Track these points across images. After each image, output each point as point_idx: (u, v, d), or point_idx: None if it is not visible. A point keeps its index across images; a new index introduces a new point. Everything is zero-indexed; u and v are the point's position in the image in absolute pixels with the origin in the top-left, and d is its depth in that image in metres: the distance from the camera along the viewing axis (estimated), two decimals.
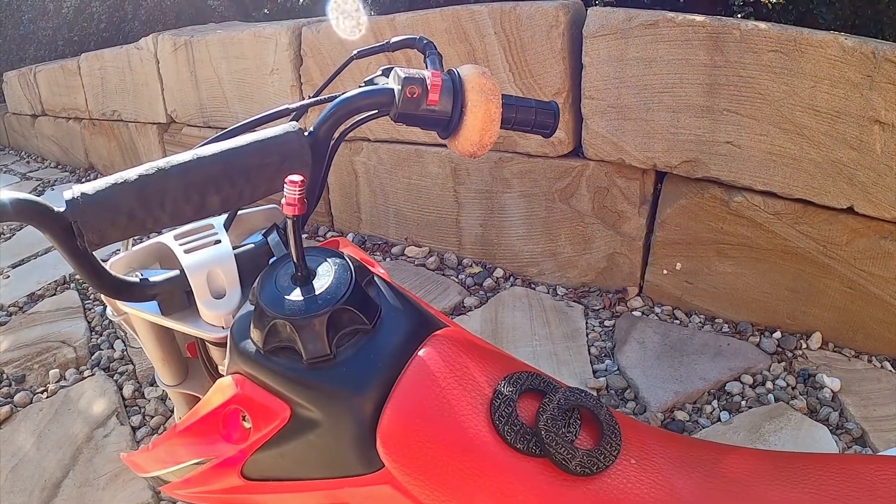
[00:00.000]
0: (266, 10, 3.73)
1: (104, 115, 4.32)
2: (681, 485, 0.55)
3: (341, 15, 2.55)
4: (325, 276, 0.60)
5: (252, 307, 0.61)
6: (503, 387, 0.58)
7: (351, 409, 0.57)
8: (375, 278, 0.66)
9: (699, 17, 1.84)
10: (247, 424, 0.63)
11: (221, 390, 0.63)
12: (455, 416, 0.56)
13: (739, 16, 2.37)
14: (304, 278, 0.60)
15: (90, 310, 2.64)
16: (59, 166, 5.21)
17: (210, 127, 3.44)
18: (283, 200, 0.55)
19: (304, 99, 0.76)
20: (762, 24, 1.77)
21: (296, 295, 0.58)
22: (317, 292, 0.58)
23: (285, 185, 0.55)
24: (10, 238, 3.59)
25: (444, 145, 2.51)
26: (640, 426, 0.61)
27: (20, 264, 3.21)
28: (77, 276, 2.91)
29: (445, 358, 0.58)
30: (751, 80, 1.80)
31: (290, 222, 0.56)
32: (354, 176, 2.89)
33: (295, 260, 0.58)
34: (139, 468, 0.81)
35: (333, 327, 0.57)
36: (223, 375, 0.71)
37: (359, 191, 2.92)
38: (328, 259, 0.63)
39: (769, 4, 2.25)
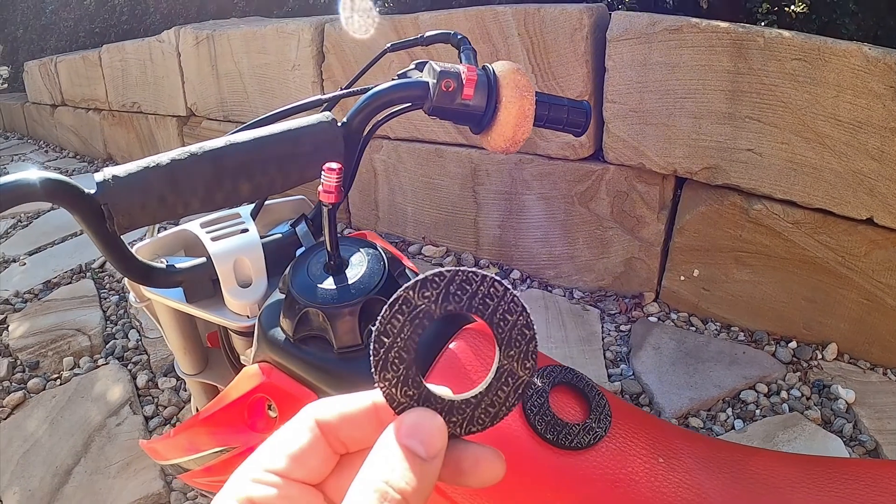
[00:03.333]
0: (288, 9, 3.73)
1: (124, 107, 4.35)
2: (708, 481, 0.54)
3: (355, 13, 2.56)
4: (357, 266, 0.60)
5: (282, 296, 0.61)
6: (535, 379, 0.58)
7: None
8: (407, 271, 0.66)
9: (723, 24, 1.83)
10: (272, 413, 0.63)
11: (248, 378, 0.63)
12: None
13: (763, 24, 2.35)
14: (337, 267, 0.59)
15: (105, 299, 2.66)
16: (78, 156, 5.25)
17: (230, 121, 3.45)
18: (321, 188, 0.54)
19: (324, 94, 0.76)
20: (786, 33, 1.76)
21: (328, 284, 0.58)
22: (350, 282, 0.58)
23: (323, 173, 0.54)
24: (27, 226, 3.62)
25: (465, 145, 2.51)
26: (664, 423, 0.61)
27: (36, 252, 3.23)
28: (93, 265, 2.93)
29: (476, 351, 0.58)
30: (773, 87, 1.79)
31: (325, 210, 0.55)
32: (374, 173, 2.89)
33: (329, 248, 0.58)
34: (158, 455, 0.81)
35: (365, 318, 0.57)
36: (245, 365, 0.71)
37: (377, 188, 2.92)
38: (361, 249, 0.62)
39: (793, 14, 2.24)
